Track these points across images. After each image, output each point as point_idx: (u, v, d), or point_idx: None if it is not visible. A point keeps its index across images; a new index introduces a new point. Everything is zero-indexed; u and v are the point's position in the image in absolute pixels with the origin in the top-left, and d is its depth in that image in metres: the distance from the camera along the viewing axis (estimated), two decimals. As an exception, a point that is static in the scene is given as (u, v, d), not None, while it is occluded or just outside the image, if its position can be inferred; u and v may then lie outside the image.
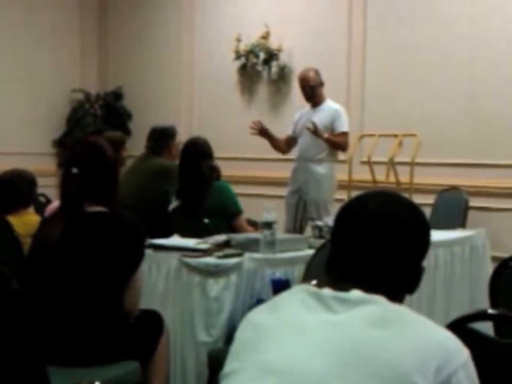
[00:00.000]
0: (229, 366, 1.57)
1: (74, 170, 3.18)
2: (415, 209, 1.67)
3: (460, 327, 1.94)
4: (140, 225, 3.33)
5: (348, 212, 1.67)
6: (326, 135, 6.12)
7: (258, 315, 1.61)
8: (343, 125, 6.24)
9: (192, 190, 4.92)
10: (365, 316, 1.48)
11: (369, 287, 1.54)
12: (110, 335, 3.20)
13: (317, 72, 6.41)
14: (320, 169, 6.28)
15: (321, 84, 6.37)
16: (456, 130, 6.93)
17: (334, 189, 6.37)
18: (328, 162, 6.33)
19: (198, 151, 5.04)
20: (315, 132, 6.07)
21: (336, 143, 6.22)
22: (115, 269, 3.18)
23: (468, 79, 6.88)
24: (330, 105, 6.36)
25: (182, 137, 6.06)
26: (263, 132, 6.39)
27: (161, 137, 5.77)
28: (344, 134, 6.25)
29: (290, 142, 6.51)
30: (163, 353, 3.40)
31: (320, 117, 6.27)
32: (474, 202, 6.58)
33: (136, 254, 3.22)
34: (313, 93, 6.34)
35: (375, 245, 1.59)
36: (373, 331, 1.45)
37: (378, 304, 1.50)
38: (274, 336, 1.53)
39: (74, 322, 3.17)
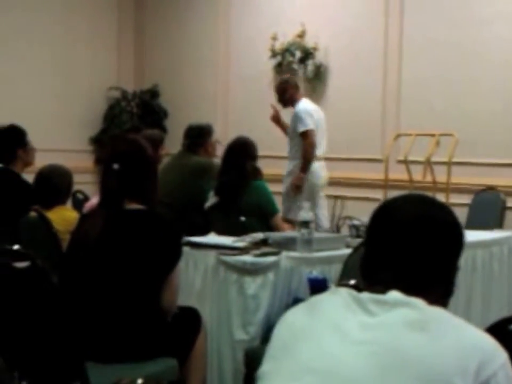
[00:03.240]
0: (266, 365, 1.58)
1: (116, 166, 3.17)
2: (447, 211, 1.67)
3: (500, 329, 1.93)
4: (177, 223, 3.35)
5: (383, 215, 1.67)
6: (294, 180, 6.45)
7: (296, 315, 1.62)
8: (300, 126, 6.44)
9: (232, 189, 4.94)
10: (403, 318, 1.48)
11: (407, 290, 1.54)
12: (148, 332, 3.21)
13: (291, 74, 6.87)
14: (290, 166, 6.60)
15: (292, 87, 6.64)
16: (494, 130, 6.87)
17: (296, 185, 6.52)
18: (297, 159, 6.54)
19: (246, 151, 5.09)
20: (297, 190, 6.42)
21: (305, 159, 6.43)
22: (153, 267, 3.19)
23: (505, 78, 6.82)
24: (298, 105, 6.58)
25: (217, 135, 6.08)
26: (275, 119, 6.77)
27: (198, 135, 5.79)
28: (303, 135, 6.46)
29: None
30: (201, 350, 3.40)
31: (290, 119, 6.63)
32: (511, 202, 6.52)
33: (173, 252, 3.24)
34: (282, 92, 6.63)
35: (411, 248, 1.60)
36: (411, 334, 1.45)
37: (416, 306, 1.50)
38: (313, 336, 1.53)
39: (112, 319, 3.20)
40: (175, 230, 3.26)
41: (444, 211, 1.66)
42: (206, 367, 3.57)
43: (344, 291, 1.59)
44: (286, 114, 6.82)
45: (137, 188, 3.24)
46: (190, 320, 3.41)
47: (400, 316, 1.48)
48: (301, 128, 6.47)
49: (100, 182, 3.30)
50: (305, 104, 6.61)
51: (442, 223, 1.63)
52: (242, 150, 5.08)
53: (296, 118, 6.51)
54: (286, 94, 6.64)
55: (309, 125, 6.46)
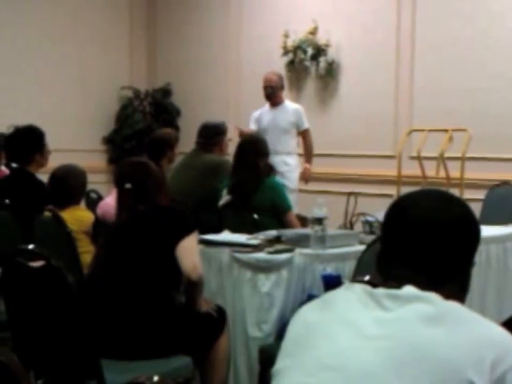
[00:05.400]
0: (281, 362, 1.58)
1: (128, 185, 3.51)
2: (463, 206, 1.66)
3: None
4: (188, 214, 3.51)
5: (398, 210, 1.66)
6: (306, 165, 6.94)
7: (310, 311, 1.62)
8: (305, 122, 6.92)
9: (245, 187, 4.95)
10: (418, 313, 1.47)
11: (422, 285, 1.54)
12: (164, 329, 3.23)
13: (279, 77, 7.02)
14: (291, 160, 6.82)
15: (281, 87, 6.99)
16: (507, 124, 6.84)
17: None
18: (296, 154, 6.95)
19: (258, 149, 5.10)
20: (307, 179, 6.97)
21: (310, 151, 6.99)
22: (164, 253, 3.32)
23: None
24: (290, 105, 7.00)
25: (230, 133, 6.09)
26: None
27: (214, 134, 5.82)
28: (308, 131, 6.95)
29: None
30: (222, 352, 3.44)
31: (284, 116, 6.85)
32: (526, 197, 6.48)
33: (179, 223, 3.42)
34: (272, 93, 6.88)
35: (427, 243, 1.59)
36: (426, 328, 1.45)
37: (431, 301, 1.49)
38: (328, 332, 1.53)
39: (129, 317, 3.22)
40: (181, 210, 3.54)
41: (460, 206, 1.66)
42: (229, 369, 3.59)
43: (358, 287, 1.59)
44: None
45: (148, 197, 3.53)
46: (214, 319, 3.44)
47: (415, 311, 1.48)
48: (306, 124, 6.90)
49: (117, 200, 3.65)
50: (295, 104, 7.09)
51: (458, 219, 1.62)
52: (254, 148, 5.09)
53: (301, 115, 6.88)
54: (280, 91, 6.95)
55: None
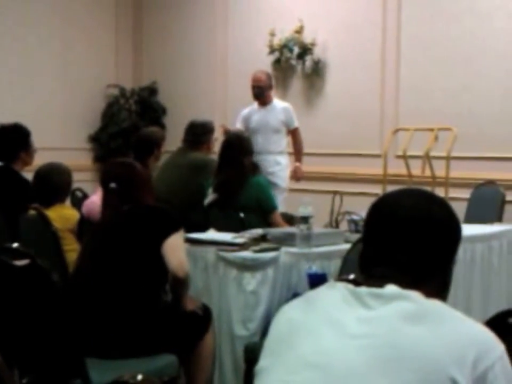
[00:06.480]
0: (263, 360, 1.58)
1: (113, 185, 3.52)
2: (444, 205, 1.67)
3: (499, 322, 1.94)
4: (173, 213, 3.51)
5: (380, 209, 1.67)
6: (297, 164, 6.91)
7: (293, 310, 1.62)
8: (295, 120, 6.88)
9: (231, 185, 4.95)
10: (400, 311, 1.48)
11: (404, 283, 1.54)
12: (149, 328, 3.23)
13: (268, 76, 6.95)
14: (282, 159, 6.82)
15: (270, 87, 6.91)
16: (493, 124, 6.87)
17: None
18: (286, 154, 6.91)
19: (243, 147, 5.09)
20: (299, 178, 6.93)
21: (300, 150, 6.95)
22: (150, 252, 3.31)
23: (504, 72, 6.82)
24: (279, 103, 6.95)
25: (216, 132, 6.08)
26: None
27: (201, 133, 5.81)
28: (298, 129, 6.92)
29: None
30: (208, 350, 3.45)
31: (274, 115, 6.82)
32: (511, 196, 6.52)
33: (163, 222, 3.41)
34: (261, 93, 6.82)
35: (408, 242, 1.60)
36: (408, 326, 1.46)
37: (413, 299, 1.50)
38: (311, 331, 1.53)
39: (114, 315, 3.22)
40: (164, 210, 3.53)
41: (441, 206, 1.66)
42: (214, 368, 3.58)
43: (341, 285, 1.59)
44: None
45: (133, 197, 3.53)
46: (199, 318, 3.44)
47: (397, 309, 1.49)
48: (296, 123, 6.85)
49: (102, 199, 3.65)
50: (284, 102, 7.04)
51: (439, 218, 1.63)
52: (239, 146, 5.09)
53: (290, 113, 6.84)
54: (268, 91, 6.88)
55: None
